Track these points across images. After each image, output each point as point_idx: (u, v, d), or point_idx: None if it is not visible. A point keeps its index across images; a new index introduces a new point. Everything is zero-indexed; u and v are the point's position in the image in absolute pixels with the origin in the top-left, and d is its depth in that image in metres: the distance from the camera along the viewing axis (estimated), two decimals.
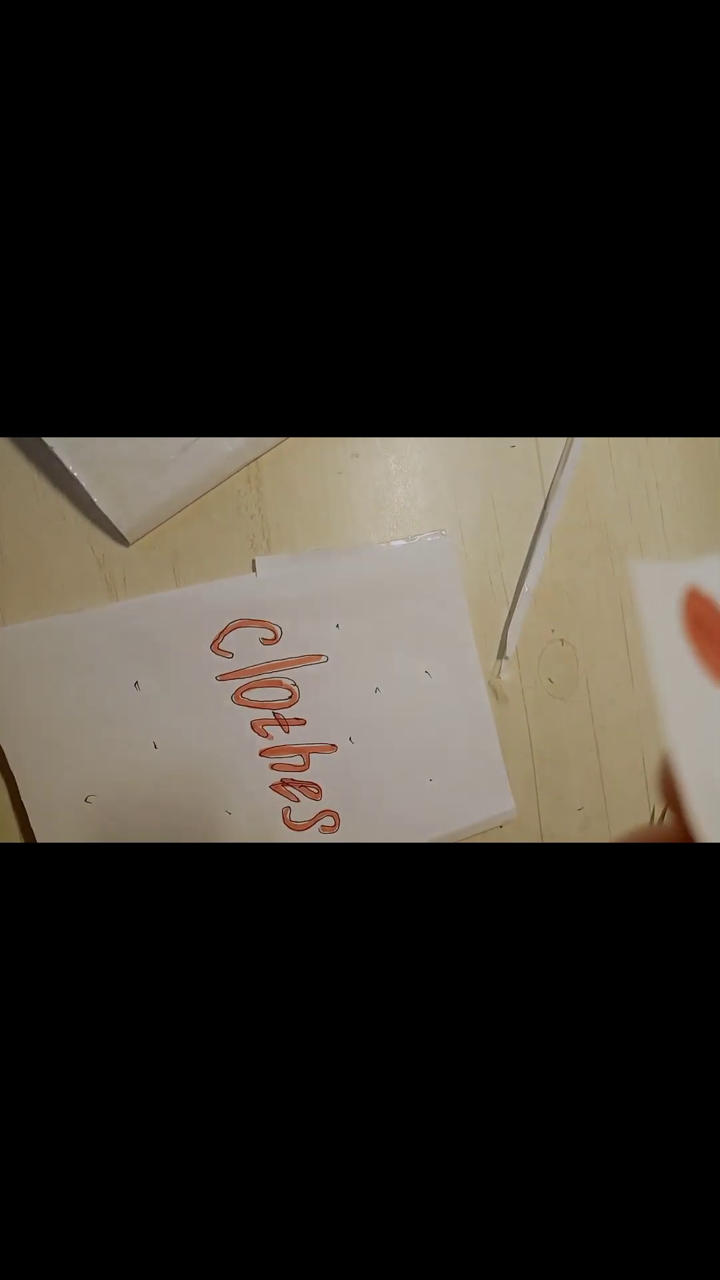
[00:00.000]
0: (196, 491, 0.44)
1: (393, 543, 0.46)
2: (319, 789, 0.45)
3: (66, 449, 0.40)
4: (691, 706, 0.17)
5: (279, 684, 0.44)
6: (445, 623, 0.46)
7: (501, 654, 0.48)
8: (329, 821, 0.46)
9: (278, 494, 0.46)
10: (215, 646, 0.43)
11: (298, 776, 0.45)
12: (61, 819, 0.41)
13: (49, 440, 0.39)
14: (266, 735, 0.44)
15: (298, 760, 0.45)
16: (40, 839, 0.41)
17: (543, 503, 0.49)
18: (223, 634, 0.43)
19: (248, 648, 0.44)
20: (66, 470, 0.40)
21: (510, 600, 0.49)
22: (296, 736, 0.44)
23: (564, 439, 0.50)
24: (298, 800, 0.45)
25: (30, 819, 0.41)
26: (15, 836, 0.43)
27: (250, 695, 0.44)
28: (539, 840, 0.50)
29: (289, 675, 0.44)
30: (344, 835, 0.46)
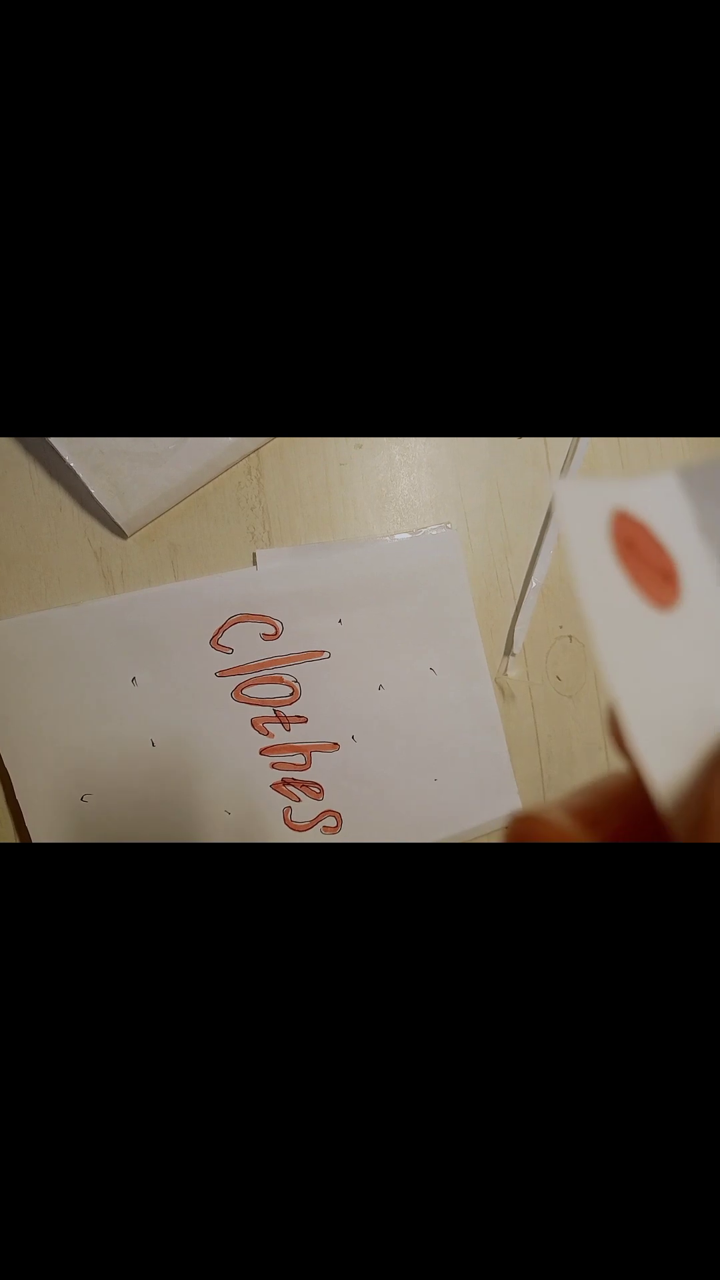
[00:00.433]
0: (195, 483, 0.43)
1: (397, 536, 0.45)
2: (321, 789, 0.45)
3: (63, 440, 0.39)
4: (628, 631, 0.17)
5: (280, 680, 0.44)
6: (451, 618, 0.46)
7: (508, 651, 0.48)
8: (331, 822, 0.45)
9: (279, 486, 0.45)
10: (215, 642, 0.43)
11: (299, 776, 0.44)
12: (57, 818, 0.41)
13: None
14: (267, 733, 0.44)
15: (299, 759, 0.44)
16: (35, 838, 0.41)
17: (550, 496, 0.49)
18: (222, 629, 0.43)
19: (248, 643, 0.43)
20: (63, 461, 0.40)
21: (517, 596, 0.49)
22: (298, 734, 0.44)
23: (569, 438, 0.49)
24: (299, 800, 0.44)
25: (25, 818, 0.41)
26: (10, 836, 0.43)
27: (250, 692, 0.43)
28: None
29: (290, 671, 0.44)
30: (346, 836, 0.45)
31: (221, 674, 0.43)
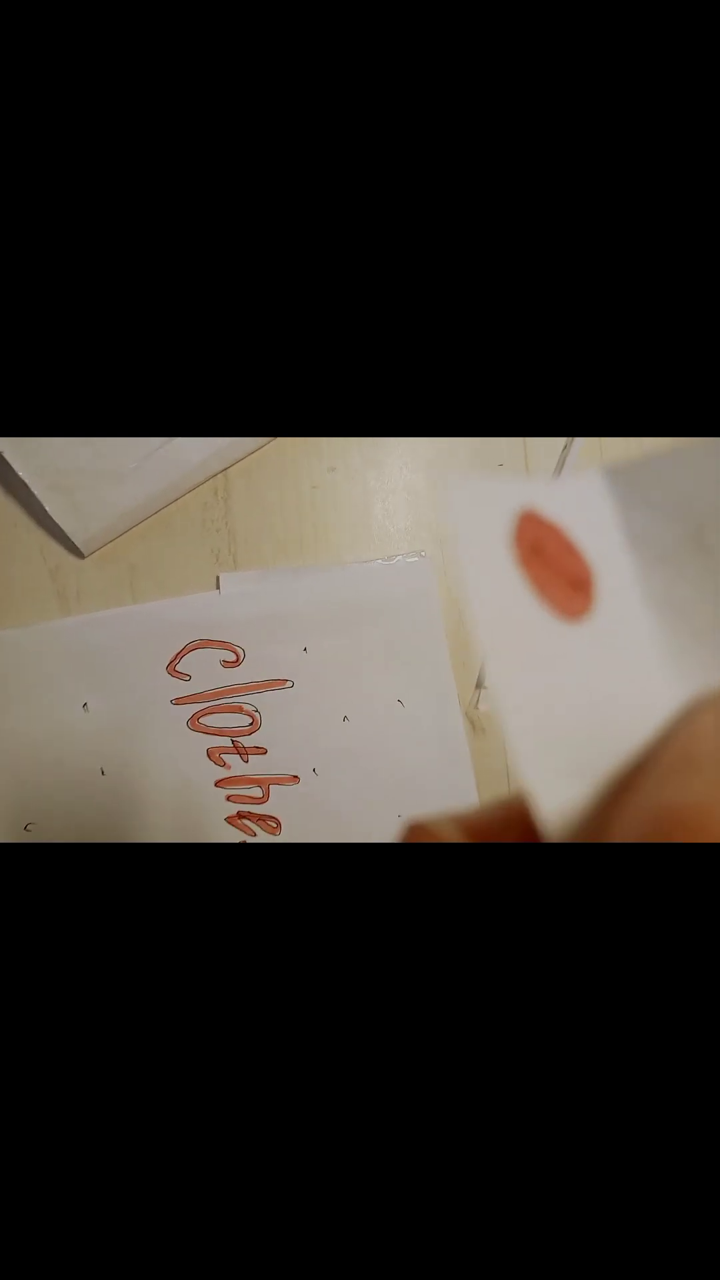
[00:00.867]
0: (158, 503, 0.43)
1: (367, 563, 0.44)
2: (278, 823, 0.44)
3: (19, 455, 0.39)
4: (524, 644, 0.16)
5: (239, 709, 0.43)
6: (421, 649, 0.45)
7: (480, 684, 0.47)
8: None
9: (247, 507, 0.44)
10: (172, 668, 0.42)
11: (255, 809, 0.43)
12: None
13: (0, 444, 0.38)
14: (224, 764, 0.43)
15: (256, 792, 0.43)
16: None
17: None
18: (180, 654, 0.42)
19: (207, 670, 0.42)
20: (18, 477, 0.39)
21: None
22: (256, 766, 0.43)
23: (557, 455, 0.48)
24: (255, 835, 0.44)
25: None
26: None
27: (208, 721, 0.42)
28: None
29: (250, 700, 0.43)
30: None
31: (178, 701, 0.42)
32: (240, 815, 0.43)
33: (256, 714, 0.43)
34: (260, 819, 0.43)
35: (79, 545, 0.42)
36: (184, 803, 0.42)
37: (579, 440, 0.47)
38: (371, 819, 0.45)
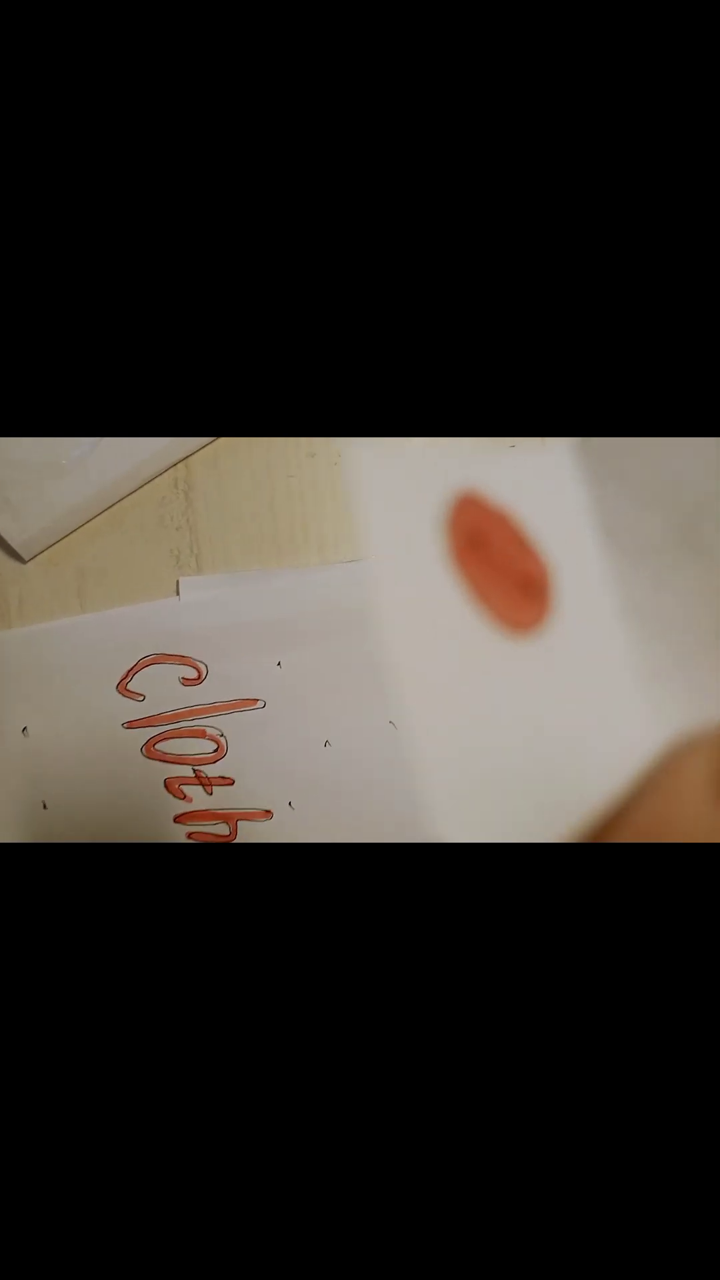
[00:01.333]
0: (108, 498, 0.38)
1: (350, 563, 0.39)
2: None
3: None
4: (458, 671, 0.13)
5: (202, 734, 0.38)
6: None
7: None
8: None
9: (212, 501, 0.40)
10: (123, 686, 0.38)
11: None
12: None
13: None
14: (184, 797, 0.38)
15: (222, 829, 0.39)
16: None
17: None
18: (133, 671, 0.38)
19: (164, 689, 0.38)
20: None
21: None
22: (221, 799, 0.38)
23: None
24: None
25: None
26: None
27: (165, 747, 0.38)
28: None
29: (214, 724, 0.38)
30: None
31: (131, 725, 0.38)
32: None
33: (222, 739, 0.38)
34: None
35: (17, 549, 0.37)
36: (139, 841, 0.38)
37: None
38: None
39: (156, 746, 0.38)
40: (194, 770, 0.38)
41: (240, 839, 0.39)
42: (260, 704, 0.39)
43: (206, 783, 0.38)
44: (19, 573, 0.39)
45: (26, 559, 0.38)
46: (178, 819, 0.38)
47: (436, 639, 0.13)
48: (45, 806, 0.37)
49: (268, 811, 0.39)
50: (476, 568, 0.14)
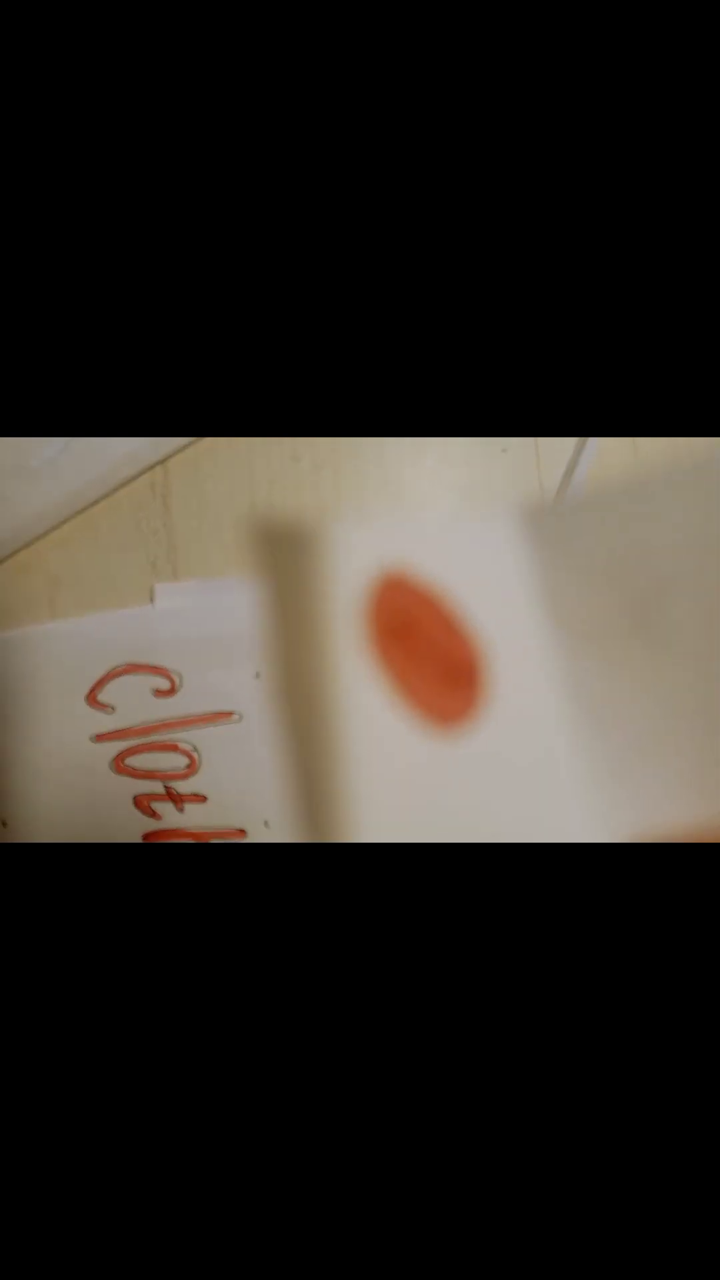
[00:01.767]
0: (80, 501, 0.37)
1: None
2: None
3: None
4: (380, 774, 0.12)
5: (174, 748, 0.37)
6: None
7: None
8: None
9: (190, 506, 0.39)
10: (92, 698, 0.37)
11: None
12: None
13: None
14: (154, 814, 0.37)
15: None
16: None
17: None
18: (103, 681, 0.37)
19: (135, 700, 0.37)
20: None
21: None
22: (194, 817, 0.37)
23: (574, 439, 0.41)
24: None
25: None
26: None
27: (135, 762, 0.37)
28: None
29: (188, 737, 0.37)
30: None
31: (100, 738, 0.37)
32: None
33: (195, 753, 0.37)
34: None
35: None
36: None
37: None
38: None
39: (126, 761, 0.37)
40: (165, 786, 0.37)
41: None
42: (236, 717, 0.38)
43: (178, 799, 0.37)
44: None
45: None
46: (147, 837, 0.37)
47: (358, 742, 0.12)
48: (4, 824, 0.36)
49: (241, 830, 0.38)
50: (400, 657, 0.13)
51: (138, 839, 0.37)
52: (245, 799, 0.38)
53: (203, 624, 0.37)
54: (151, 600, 0.38)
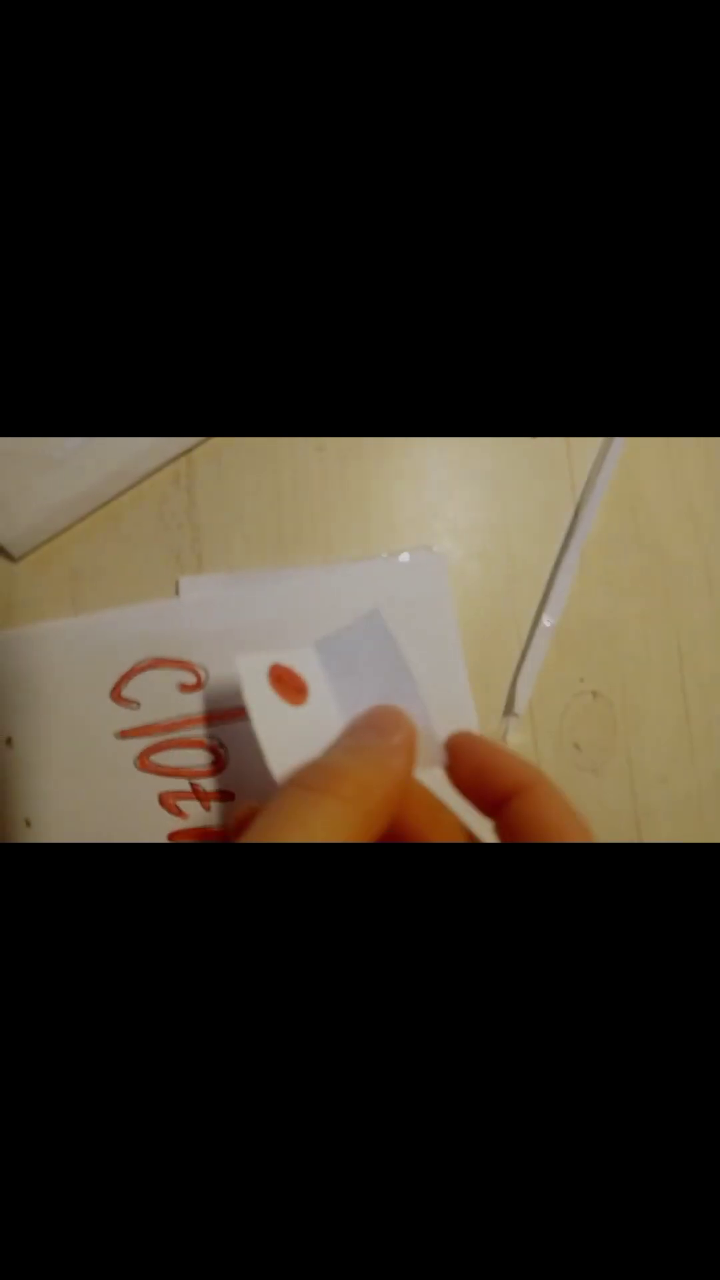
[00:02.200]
0: (104, 494, 0.37)
1: (361, 562, 0.38)
2: None
3: None
4: (283, 718, 0.29)
5: (200, 744, 0.37)
6: (432, 666, 0.38)
7: (509, 710, 0.40)
8: None
9: (214, 498, 0.39)
10: (117, 694, 0.36)
11: None
12: None
13: None
14: (180, 813, 0.37)
15: None
16: None
17: (572, 512, 0.41)
18: (128, 676, 0.36)
19: (160, 696, 0.37)
20: None
21: (524, 638, 0.40)
22: (220, 815, 0.37)
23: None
24: None
25: None
26: None
27: (161, 759, 0.37)
28: None
29: (214, 733, 0.37)
30: None
31: (124, 734, 0.36)
32: None
33: (222, 750, 0.37)
34: None
35: (6, 546, 0.37)
36: None
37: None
38: None
39: (151, 758, 0.37)
40: (191, 784, 0.37)
41: None
42: None
43: (204, 798, 0.37)
44: (9, 574, 0.38)
45: (16, 558, 0.37)
46: (172, 836, 0.37)
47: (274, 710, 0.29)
48: (29, 824, 0.36)
49: None
50: (280, 687, 0.30)
51: (163, 839, 0.37)
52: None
53: (229, 616, 0.37)
54: (176, 593, 0.37)
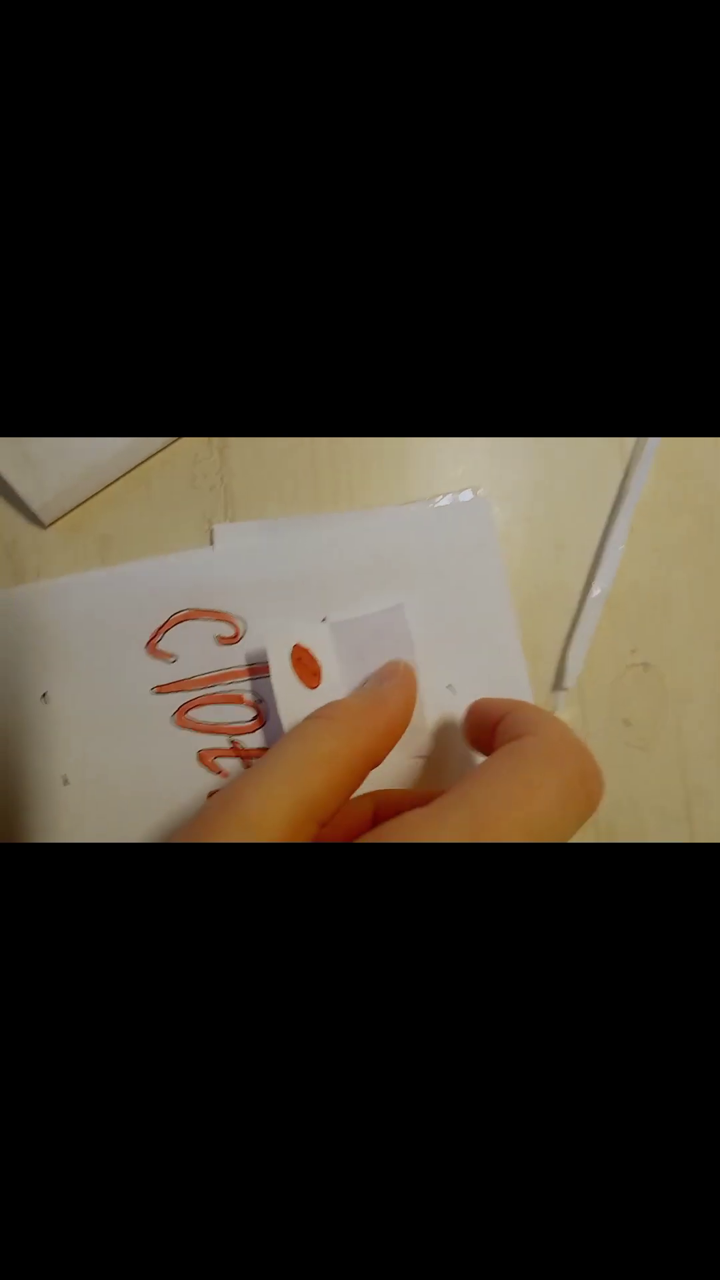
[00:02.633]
0: (134, 456, 0.38)
1: (405, 506, 0.38)
2: None
3: None
4: (302, 698, 0.35)
5: (239, 700, 0.36)
6: (479, 619, 0.37)
7: (559, 684, 0.39)
8: None
9: (248, 459, 0.39)
10: (152, 646, 0.36)
11: None
12: None
13: None
14: (220, 771, 0.36)
15: None
16: None
17: (622, 471, 0.41)
18: (163, 629, 0.36)
19: (197, 649, 0.36)
20: None
21: (573, 607, 0.40)
22: None
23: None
24: None
25: None
26: None
27: (199, 715, 0.36)
28: None
29: (254, 688, 0.36)
30: None
31: (160, 690, 0.36)
32: None
33: (261, 706, 0.36)
34: None
35: (36, 512, 0.37)
36: (168, 821, 0.35)
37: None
38: None
39: (189, 714, 0.36)
40: (231, 741, 0.36)
41: None
42: None
43: (244, 755, 0.36)
44: (38, 540, 0.38)
45: (47, 524, 0.37)
46: (212, 795, 0.36)
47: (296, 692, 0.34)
48: (66, 782, 0.35)
49: None
50: (298, 668, 0.34)
51: (203, 798, 0.36)
52: None
53: (266, 566, 0.37)
54: (210, 542, 0.37)
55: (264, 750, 0.36)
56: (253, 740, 0.36)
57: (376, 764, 0.28)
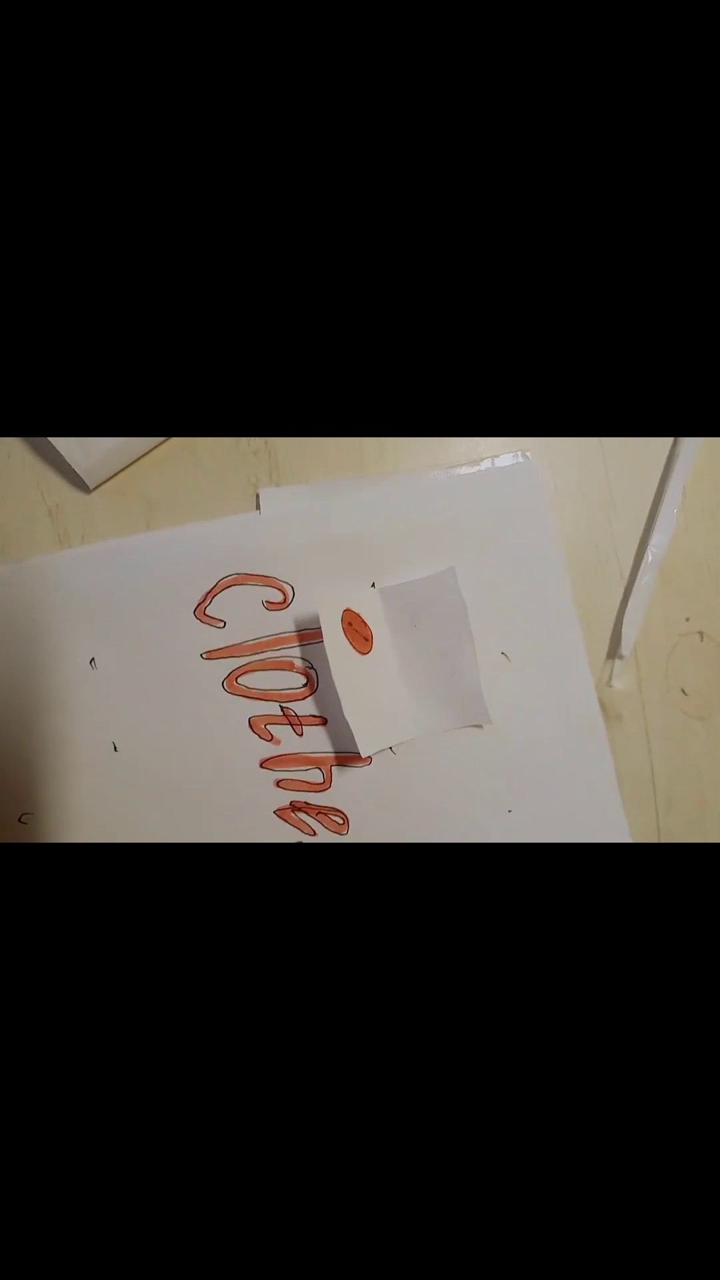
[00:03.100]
0: None
1: (453, 469, 0.38)
2: (345, 818, 0.36)
3: None
4: (355, 665, 0.36)
5: (289, 666, 0.36)
6: (533, 583, 0.38)
7: (614, 653, 0.39)
8: None
9: None
10: (201, 612, 0.36)
11: (314, 799, 0.36)
12: None
13: None
14: (271, 738, 0.36)
15: (315, 775, 0.36)
16: None
17: (671, 440, 0.41)
18: (211, 594, 0.36)
19: (247, 614, 0.37)
20: None
21: (626, 575, 0.40)
22: (313, 741, 0.36)
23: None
24: (314, 833, 0.36)
25: None
26: None
27: (248, 681, 0.36)
28: None
29: (305, 654, 0.36)
30: None
31: (210, 655, 0.36)
32: (294, 807, 0.36)
33: (312, 672, 0.36)
34: (321, 812, 0.36)
35: (82, 475, 0.37)
36: (220, 789, 0.35)
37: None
38: (471, 814, 0.36)
39: (239, 680, 0.36)
40: (282, 708, 0.36)
41: (335, 789, 0.36)
42: None
43: (296, 722, 0.36)
44: (83, 505, 0.38)
45: (91, 489, 0.38)
46: (264, 764, 0.36)
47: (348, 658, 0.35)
48: (116, 748, 0.35)
49: (366, 757, 0.36)
50: (349, 633, 0.35)
51: (255, 766, 0.36)
52: None
53: (312, 530, 0.37)
54: (257, 506, 0.37)
55: (315, 717, 0.36)
56: (303, 707, 0.36)
57: None
